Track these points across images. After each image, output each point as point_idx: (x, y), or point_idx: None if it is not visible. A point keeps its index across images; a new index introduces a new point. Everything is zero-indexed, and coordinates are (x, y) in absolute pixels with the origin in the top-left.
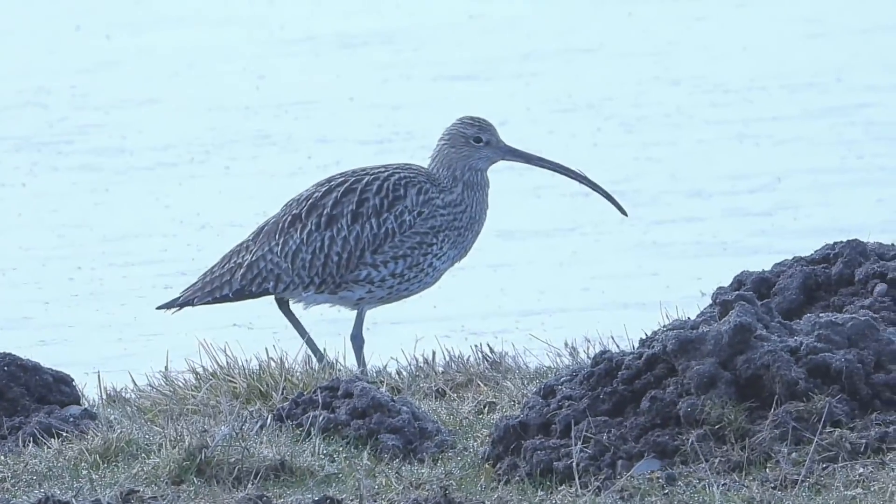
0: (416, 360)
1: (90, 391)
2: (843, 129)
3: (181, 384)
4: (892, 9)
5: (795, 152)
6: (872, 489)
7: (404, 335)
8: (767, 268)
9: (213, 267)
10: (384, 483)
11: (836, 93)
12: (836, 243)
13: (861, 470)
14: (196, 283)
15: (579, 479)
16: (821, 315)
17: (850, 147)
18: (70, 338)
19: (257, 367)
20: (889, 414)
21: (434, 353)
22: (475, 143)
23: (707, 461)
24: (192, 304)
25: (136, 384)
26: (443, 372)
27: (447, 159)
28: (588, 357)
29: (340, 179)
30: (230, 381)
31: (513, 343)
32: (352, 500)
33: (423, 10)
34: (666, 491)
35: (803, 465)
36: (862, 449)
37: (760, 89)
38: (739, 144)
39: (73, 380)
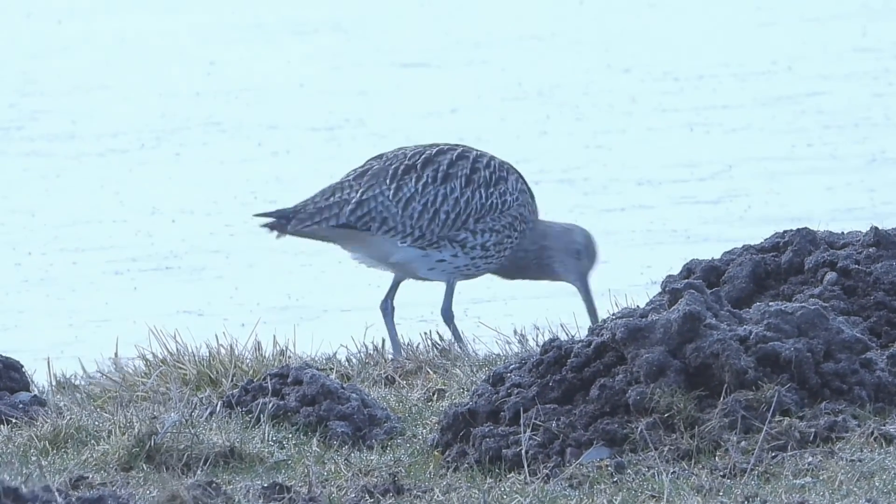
0: (366, 348)
1: (40, 377)
2: (794, 117)
3: (131, 371)
4: None
5: (746, 140)
6: (821, 478)
7: (354, 322)
8: (717, 256)
9: (314, 197)
10: (333, 470)
11: (786, 81)
12: (785, 231)
13: (810, 459)
14: (298, 210)
15: (528, 466)
16: (770, 304)
17: (800, 135)
18: (19, 324)
19: (207, 354)
20: (838, 403)
21: (384, 341)
22: (574, 253)
23: (656, 449)
24: (296, 229)
25: (85, 371)
26: (392, 359)
27: (547, 232)
28: (537, 345)
29: (444, 146)
30: (180, 368)
31: (462, 331)
32: (301, 487)
33: None
34: (615, 479)
35: (752, 454)
36: (811, 438)
37: (711, 77)
38: (690, 133)
39: (22, 366)
